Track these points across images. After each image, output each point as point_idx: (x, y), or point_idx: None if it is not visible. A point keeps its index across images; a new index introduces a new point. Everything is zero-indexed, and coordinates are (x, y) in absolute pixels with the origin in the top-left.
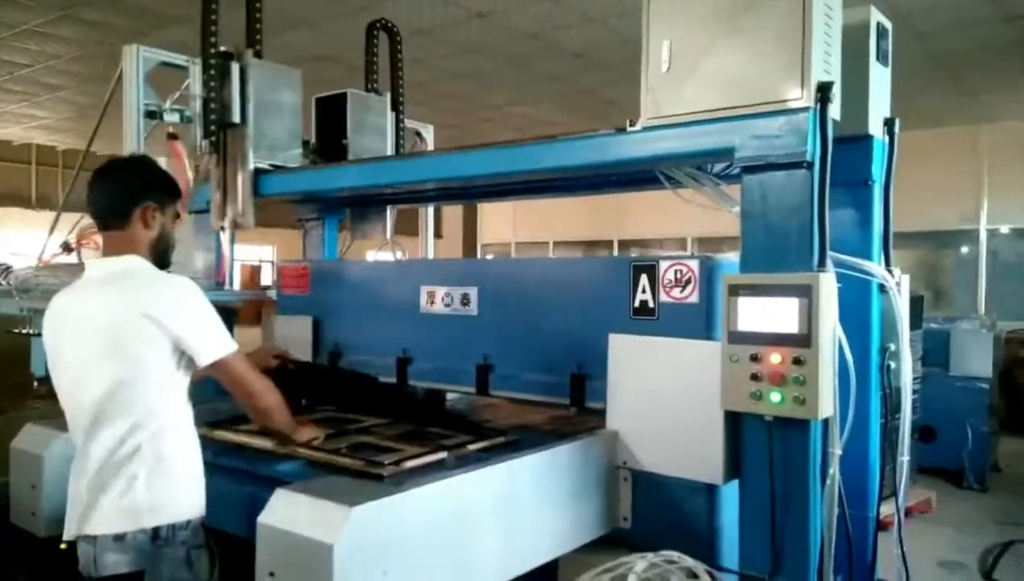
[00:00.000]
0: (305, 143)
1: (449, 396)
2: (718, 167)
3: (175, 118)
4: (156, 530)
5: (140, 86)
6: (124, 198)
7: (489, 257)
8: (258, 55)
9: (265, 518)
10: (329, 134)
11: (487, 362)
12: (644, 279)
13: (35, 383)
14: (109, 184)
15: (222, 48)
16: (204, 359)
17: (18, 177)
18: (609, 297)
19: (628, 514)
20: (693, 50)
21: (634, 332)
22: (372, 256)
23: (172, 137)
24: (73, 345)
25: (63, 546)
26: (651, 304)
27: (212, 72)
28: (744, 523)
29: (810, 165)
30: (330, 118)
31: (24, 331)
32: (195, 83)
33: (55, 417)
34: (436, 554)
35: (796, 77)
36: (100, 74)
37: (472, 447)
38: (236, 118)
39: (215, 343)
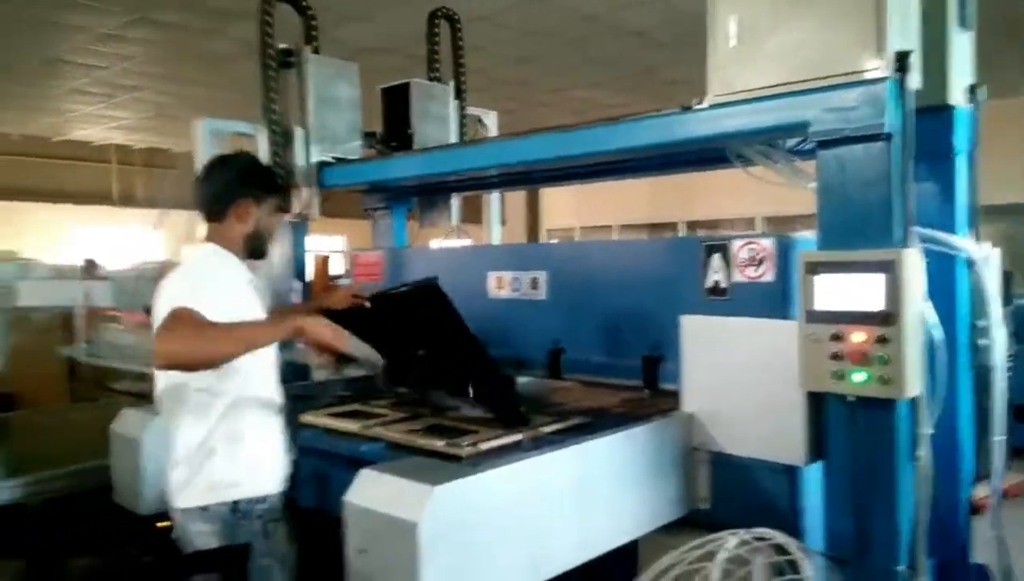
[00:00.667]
0: (372, 134)
1: (520, 380)
2: (790, 143)
3: None
4: (236, 504)
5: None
6: (221, 194)
7: (550, 242)
8: (316, 51)
9: (352, 497)
10: (395, 124)
11: (558, 346)
12: (716, 259)
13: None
14: (209, 180)
15: (282, 46)
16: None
17: (100, 176)
18: (680, 278)
19: (707, 495)
20: (761, 23)
21: (706, 313)
22: (436, 244)
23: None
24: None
25: (165, 524)
26: (723, 284)
27: (276, 137)
28: (829, 505)
29: (889, 137)
30: (396, 108)
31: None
32: (261, 149)
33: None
34: (515, 533)
35: (872, 46)
36: (174, 74)
37: (547, 429)
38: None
39: (168, 304)
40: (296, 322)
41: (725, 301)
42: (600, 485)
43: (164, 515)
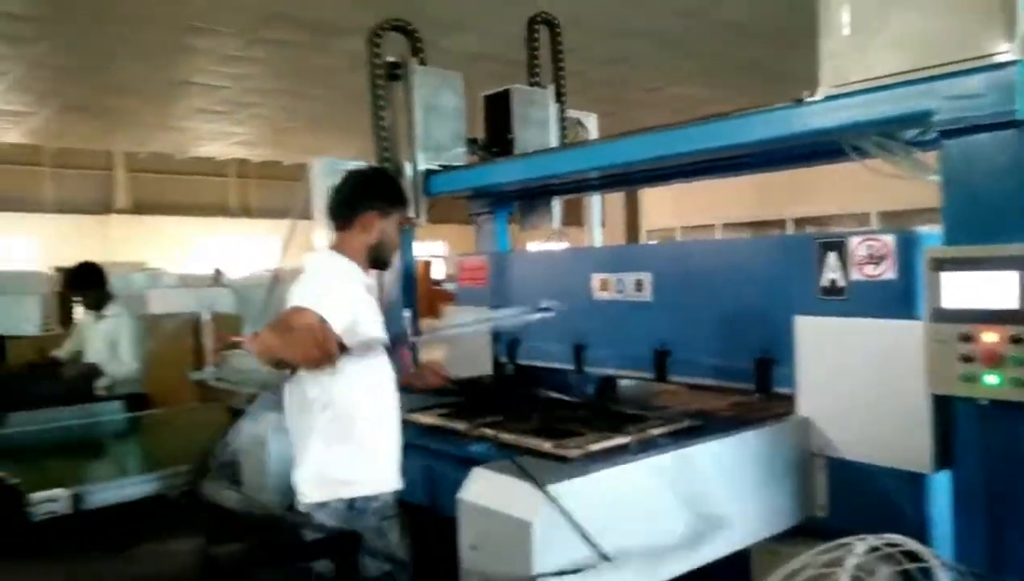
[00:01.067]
0: (474, 140)
1: (624, 383)
2: (909, 133)
3: None
4: (351, 501)
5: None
6: (348, 204)
7: (653, 242)
8: (422, 63)
9: (465, 495)
10: (497, 130)
11: (664, 348)
12: (832, 257)
13: None
14: (340, 191)
15: (390, 59)
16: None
17: (220, 189)
18: (792, 277)
19: (824, 503)
20: (877, 9)
21: (822, 313)
22: (531, 247)
23: None
24: None
25: None
26: (840, 283)
27: (384, 146)
28: (959, 515)
29: (1021, 124)
30: (497, 114)
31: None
32: None
33: None
34: (625, 536)
35: (1000, 28)
36: (288, 89)
37: (655, 432)
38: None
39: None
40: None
41: (842, 301)
42: (711, 490)
43: (287, 510)
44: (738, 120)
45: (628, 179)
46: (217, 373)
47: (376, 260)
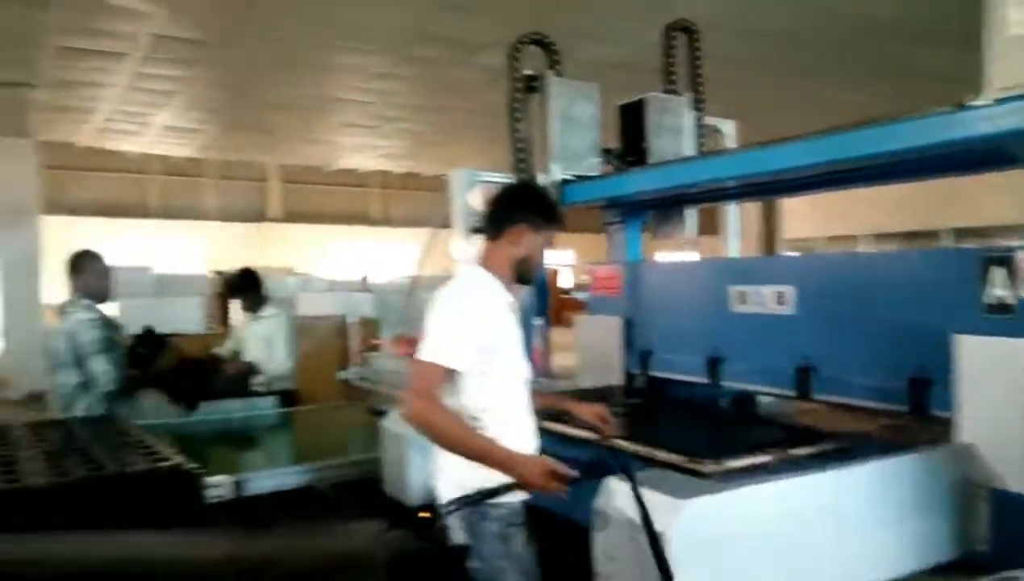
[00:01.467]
0: (609, 150)
1: (763, 400)
2: None
3: None
4: (478, 509)
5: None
6: (502, 216)
7: (794, 254)
8: (558, 75)
9: (601, 505)
10: (632, 139)
11: (807, 364)
12: (999, 272)
13: None
14: (495, 202)
15: (527, 72)
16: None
17: (363, 199)
18: (951, 293)
19: (985, 536)
20: None
21: (987, 332)
22: (659, 257)
23: None
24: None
25: (424, 515)
26: (1009, 301)
27: (521, 156)
28: None
29: None
30: (632, 123)
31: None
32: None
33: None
34: (763, 558)
35: None
36: (430, 104)
37: (798, 452)
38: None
39: (422, 348)
40: (521, 473)
41: (1010, 319)
42: (859, 516)
43: (426, 506)
44: (893, 126)
45: (768, 188)
46: (361, 373)
47: (521, 275)
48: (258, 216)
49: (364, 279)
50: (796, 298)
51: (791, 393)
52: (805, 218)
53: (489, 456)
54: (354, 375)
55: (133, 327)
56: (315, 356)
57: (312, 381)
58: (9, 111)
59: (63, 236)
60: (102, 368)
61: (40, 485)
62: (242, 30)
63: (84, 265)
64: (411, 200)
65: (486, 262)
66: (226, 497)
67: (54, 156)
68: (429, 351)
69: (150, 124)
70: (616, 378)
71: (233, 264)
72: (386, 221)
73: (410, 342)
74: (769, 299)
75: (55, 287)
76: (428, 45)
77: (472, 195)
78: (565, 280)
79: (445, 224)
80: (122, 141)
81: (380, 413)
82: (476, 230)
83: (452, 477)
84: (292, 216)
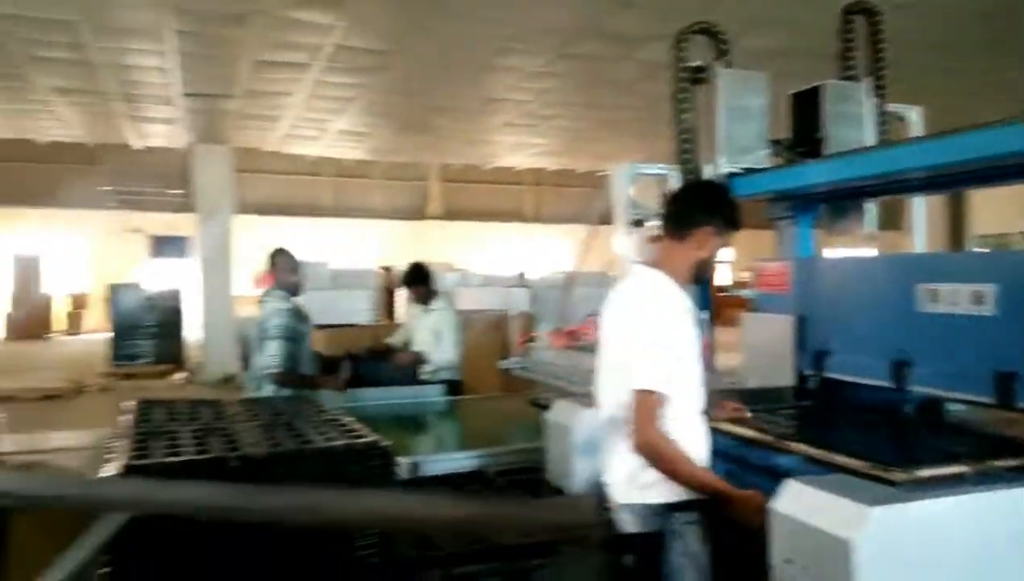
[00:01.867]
0: (778, 141)
1: (954, 407)
2: None
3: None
4: (652, 505)
5: (625, 200)
6: (690, 216)
7: (983, 250)
8: (727, 65)
9: (779, 507)
10: (804, 129)
11: (1010, 370)
12: None
13: None
14: (682, 200)
15: (694, 64)
16: (629, 383)
17: (517, 196)
18: None
19: None
20: None
21: None
22: (828, 253)
23: (656, 240)
24: (604, 333)
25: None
26: None
27: (686, 148)
28: None
29: None
30: (805, 112)
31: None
32: (672, 179)
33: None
34: (957, 573)
35: None
36: (585, 100)
37: (1000, 464)
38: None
39: (638, 376)
40: (739, 508)
41: None
42: None
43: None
44: None
45: (958, 179)
46: (522, 363)
47: (700, 275)
48: (419, 214)
49: (521, 275)
50: (997, 298)
51: (990, 401)
52: (1000, 211)
53: (710, 487)
54: (515, 365)
55: (314, 318)
56: (475, 348)
57: (474, 373)
58: (209, 120)
59: (248, 233)
60: (271, 353)
61: (261, 454)
62: (414, 37)
63: (278, 261)
64: (564, 197)
65: (665, 263)
66: (404, 477)
67: (241, 159)
68: (646, 380)
69: (327, 130)
70: (786, 379)
71: (397, 260)
72: (539, 218)
73: (568, 335)
74: (965, 298)
75: (241, 280)
76: (587, 42)
77: (639, 190)
78: (722, 277)
79: (602, 220)
80: (302, 145)
81: (541, 405)
82: (637, 223)
83: (625, 478)
84: (450, 213)
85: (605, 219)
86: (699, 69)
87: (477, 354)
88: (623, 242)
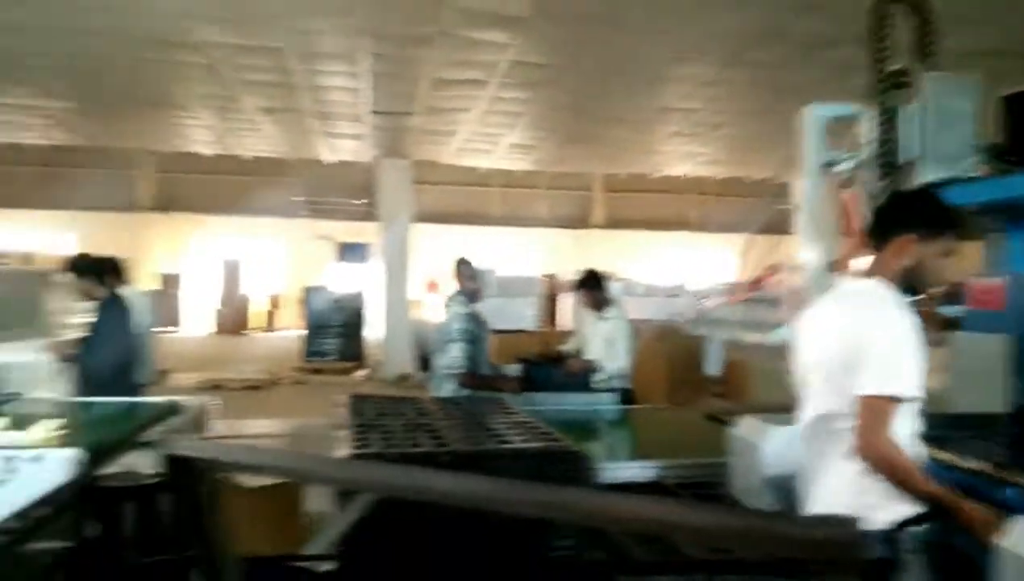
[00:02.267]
0: (987, 148)
1: None
2: None
3: (849, 165)
4: (877, 527)
5: (816, 142)
6: (885, 226)
7: None
8: (932, 67)
9: (1007, 544)
10: (1018, 135)
11: None
12: None
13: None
14: (879, 211)
15: (894, 67)
16: (856, 388)
17: (678, 205)
18: None
19: None
20: None
21: None
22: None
23: (844, 185)
24: (806, 348)
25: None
26: None
27: (883, 117)
28: None
29: None
30: (1018, 117)
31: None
32: (866, 130)
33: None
34: None
35: None
36: (750, 108)
37: None
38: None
39: (871, 380)
40: (972, 517)
41: None
42: None
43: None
44: None
45: None
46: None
47: (910, 286)
48: (582, 223)
49: (682, 285)
50: None
51: None
52: None
53: (942, 499)
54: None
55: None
56: (643, 358)
57: (642, 383)
58: (392, 136)
59: (423, 241)
60: (453, 354)
61: (468, 451)
62: (588, 51)
63: (460, 269)
64: (728, 205)
65: (874, 274)
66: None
67: (418, 171)
68: (880, 385)
69: (499, 143)
70: (997, 404)
71: (560, 268)
72: (703, 226)
73: (751, 286)
74: None
75: (417, 285)
76: (763, 48)
77: (839, 200)
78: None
79: (774, 228)
80: (475, 158)
81: (717, 419)
82: (828, 165)
83: (844, 490)
84: (613, 222)
85: (777, 228)
86: (901, 73)
87: (645, 364)
88: (807, 251)
